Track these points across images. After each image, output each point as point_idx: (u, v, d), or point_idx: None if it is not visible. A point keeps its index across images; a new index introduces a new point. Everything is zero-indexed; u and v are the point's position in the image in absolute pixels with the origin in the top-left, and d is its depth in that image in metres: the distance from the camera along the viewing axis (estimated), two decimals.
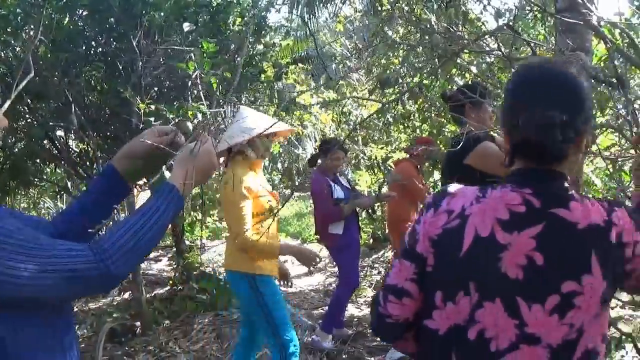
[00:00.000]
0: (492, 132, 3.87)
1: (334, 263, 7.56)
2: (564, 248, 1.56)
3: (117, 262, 1.47)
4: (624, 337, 3.16)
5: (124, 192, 1.88)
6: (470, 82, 4.44)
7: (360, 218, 7.43)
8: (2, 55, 5.87)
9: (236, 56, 6.92)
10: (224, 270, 4.49)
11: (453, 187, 1.78)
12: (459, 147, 3.42)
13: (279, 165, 18.50)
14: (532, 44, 3.31)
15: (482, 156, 3.67)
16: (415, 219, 1.84)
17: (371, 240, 11.11)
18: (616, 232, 1.56)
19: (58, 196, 10.36)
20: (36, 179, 7.72)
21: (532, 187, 1.63)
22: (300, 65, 13.14)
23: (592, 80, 3.36)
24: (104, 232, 1.52)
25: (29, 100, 6.20)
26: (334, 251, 6.12)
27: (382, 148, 9.48)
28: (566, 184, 1.64)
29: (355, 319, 6.78)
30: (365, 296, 7.92)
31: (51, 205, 11.46)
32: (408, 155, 6.72)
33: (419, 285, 1.77)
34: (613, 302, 3.24)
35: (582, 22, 3.08)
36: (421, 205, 5.78)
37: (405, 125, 8.58)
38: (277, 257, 3.98)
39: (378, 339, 6.04)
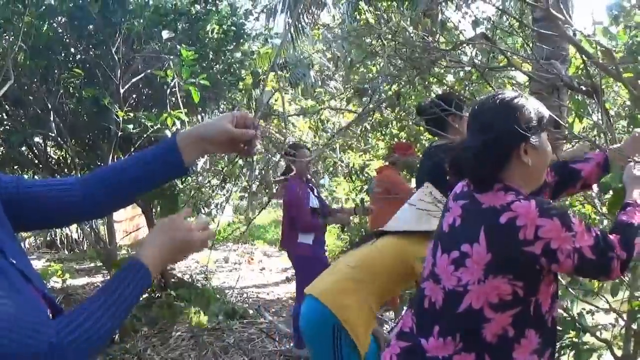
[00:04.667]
0: None
1: None
2: (470, 219, 2.02)
3: (71, 357, 1.26)
4: (601, 343, 3.20)
5: (177, 172, 1.69)
6: (445, 93, 4.48)
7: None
8: None
9: (214, 64, 6.93)
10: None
11: None
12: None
13: (256, 173, 18.47)
14: (507, 53, 3.35)
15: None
16: None
17: (349, 247, 11.13)
18: (509, 216, 1.88)
19: None
20: None
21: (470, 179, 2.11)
22: (279, 72, 13.16)
23: (568, 90, 3.44)
24: (69, 315, 1.29)
25: (7, 107, 6.17)
26: (299, 260, 5.90)
27: (360, 156, 9.52)
28: (501, 184, 2.00)
29: None
30: None
31: None
32: (388, 163, 6.77)
33: None
34: (590, 308, 3.31)
35: (557, 34, 3.14)
36: None
37: (383, 132, 8.62)
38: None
39: None
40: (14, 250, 1.39)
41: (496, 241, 1.89)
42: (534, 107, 2.04)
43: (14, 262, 1.35)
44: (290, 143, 6.82)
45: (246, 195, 13.41)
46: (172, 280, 7.61)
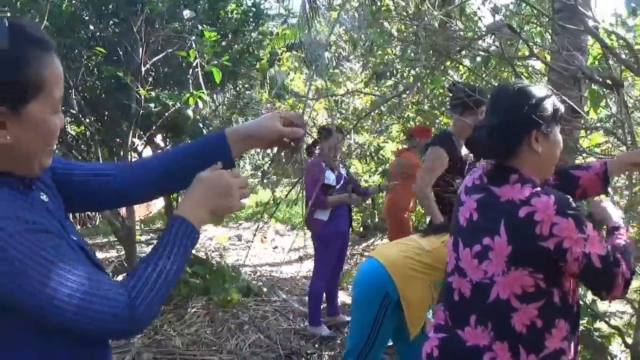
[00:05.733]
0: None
1: None
2: (488, 212, 2.09)
3: (144, 321, 1.37)
4: (613, 330, 3.27)
5: (225, 166, 1.70)
6: (473, 84, 4.58)
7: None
8: None
9: (232, 44, 6.99)
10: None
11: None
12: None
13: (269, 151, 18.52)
14: (530, 44, 3.40)
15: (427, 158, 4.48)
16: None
17: (361, 229, 11.23)
18: (527, 210, 1.95)
19: None
20: None
21: (486, 171, 2.19)
22: (294, 52, 13.20)
23: (587, 81, 3.48)
24: (135, 277, 1.37)
25: None
26: (315, 237, 5.97)
27: (375, 137, 9.58)
28: (516, 174, 2.08)
29: (347, 306, 6.88)
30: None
31: None
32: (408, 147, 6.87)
33: None
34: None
35: (577, 28, 3.18)
36: None
37: (399, 115, 8.68)
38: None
39: None
40: (71, 229, 1.49)
41: (516, 234, 1.98)
42: (551, 99, 2.14)
43: (75, 238, 1.45)
44: (322, 125, 6.86)
45: (259, 173, 13.54)
46: (190, 256, 7.72)
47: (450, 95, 4.37)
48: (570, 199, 1.99)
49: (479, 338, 2.11)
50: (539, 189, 2.03)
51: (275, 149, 1.86)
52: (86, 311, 1.28)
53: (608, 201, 2.35)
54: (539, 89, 2.16)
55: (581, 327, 3.07)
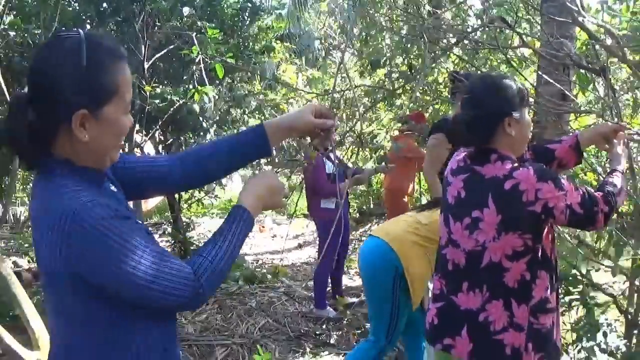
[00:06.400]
0: None
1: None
2: (475, 189, 2.41)
3: (208, 293, 1.56)
4: (608, 298, 3.50)
5: (264, 154, 1.95)
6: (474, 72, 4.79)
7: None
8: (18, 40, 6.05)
9: (229, 38, 7.15)
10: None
11: None
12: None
13: None
14: (521, 34, 3.61)
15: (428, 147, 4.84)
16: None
17: (358, 215, 11.41)
18: (512, 183, 2.27)
19: None
20: None
21: (468, 153, 2.50)
22: (284, 44, 13.33)
23: (576, 67, 3.70)
24: (202, 257, 1.58)
25: None
26: (323, 225, 6.16)
27: (368, 125, 9.72)
28: (495, 154, 2.38)
29: (352, 290, 7.08)
30: (355, 267, 8.26)
31: None
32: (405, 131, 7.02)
33: None
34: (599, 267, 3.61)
35: (564, 19, 3.39)
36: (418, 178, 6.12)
37: (392, 103, 8.82)
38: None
39: None
40: (136, 215, 1.72)
41: (504, 204, 2.30)
42: (517, 86, 2.44)
43: (141, 223, 1.67)
44: None
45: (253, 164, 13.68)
46: (192, 247, 7.92)
47: (452, 84, 4.57)
48: (544, 166, 2.38)
49: (471, 302, 2.42)
50: (516, 164, 2.36)
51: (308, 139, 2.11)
52: (159, 287, 1.49)
53: (623, 149, 2.64)
54: (506, 79, 2.48)
55: (576, 296, 3.32)
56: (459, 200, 2.48)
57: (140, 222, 1.69)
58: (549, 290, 2.41)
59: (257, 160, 2.02)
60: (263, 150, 1.93)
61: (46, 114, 1.50)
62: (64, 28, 5.39)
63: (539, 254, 2.37)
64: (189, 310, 1.86)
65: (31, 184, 10.47)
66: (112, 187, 1.70)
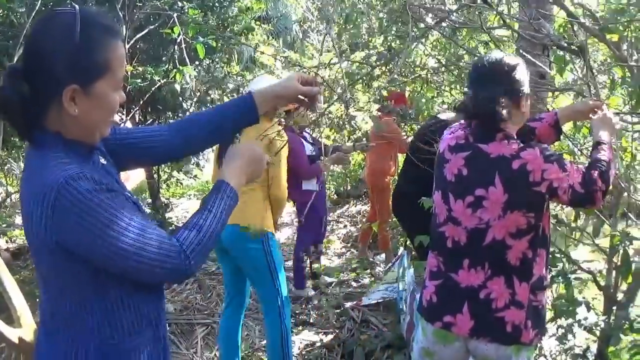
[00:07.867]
0: None
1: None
2: (479, 167, 2.43)
3: (196, 265, 1.59)
4: (587, 275, 3.57)
5: (253, 121, 2.02)
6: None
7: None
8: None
9: (208, 20, 7.12)
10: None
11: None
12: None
13: None
14: (503, 15, 3.65)
15: None
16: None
17: (335, 196, 11.46)
18: (520, 162, 2.33)
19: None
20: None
21: (470, 131, 2.51)
22: (262, 25, 13.28)
23: (554, 47, 3.76)
24: (187, 230, 1.62)
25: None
26: (303, 206, 6.15)
27: (344, 107, 9.73)
28: (500, 132, 2.42)
29: (331, 270, 7.12)
30: (334, 248, 8.33)
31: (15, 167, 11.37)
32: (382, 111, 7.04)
33: None
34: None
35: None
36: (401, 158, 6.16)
37: (369, 85, 8.86)
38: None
39: (355, 285, 6.47)
40: (124, 186, 1.76)
41: (511, 184, 2.35)
42: (524, 67, 2.52)
43: (129, 194, 1.70)
44: None
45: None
46: (170, 228, 7.92)
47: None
48: (548, 147, 2.43)
49: (472, 279, 2.47)
50: (522, 144, 2.40)
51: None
52: (145, 260, 1.53)
53: (610, 116, 2.67)
54: (515, 59, 2.52)
55: (555, 273, 3.40)
56: (459, 178, 2.50)
57: (129, 194, 1.72)
58: (544, 269, 2.49)
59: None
60: (252, 117, 2.00)
61: (38, 87, 1.54)
62: (44, 8, 5.37)
63: (540, 231, 2.44)
64: (176, 282, 1.90)
65: (6, 165, 10.38)
66: (102, 160, 1.74)
